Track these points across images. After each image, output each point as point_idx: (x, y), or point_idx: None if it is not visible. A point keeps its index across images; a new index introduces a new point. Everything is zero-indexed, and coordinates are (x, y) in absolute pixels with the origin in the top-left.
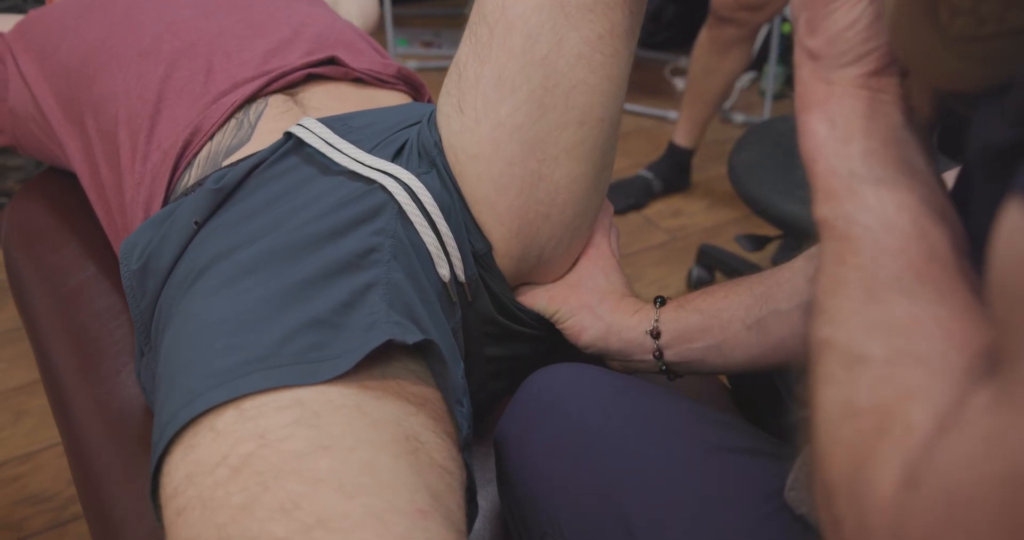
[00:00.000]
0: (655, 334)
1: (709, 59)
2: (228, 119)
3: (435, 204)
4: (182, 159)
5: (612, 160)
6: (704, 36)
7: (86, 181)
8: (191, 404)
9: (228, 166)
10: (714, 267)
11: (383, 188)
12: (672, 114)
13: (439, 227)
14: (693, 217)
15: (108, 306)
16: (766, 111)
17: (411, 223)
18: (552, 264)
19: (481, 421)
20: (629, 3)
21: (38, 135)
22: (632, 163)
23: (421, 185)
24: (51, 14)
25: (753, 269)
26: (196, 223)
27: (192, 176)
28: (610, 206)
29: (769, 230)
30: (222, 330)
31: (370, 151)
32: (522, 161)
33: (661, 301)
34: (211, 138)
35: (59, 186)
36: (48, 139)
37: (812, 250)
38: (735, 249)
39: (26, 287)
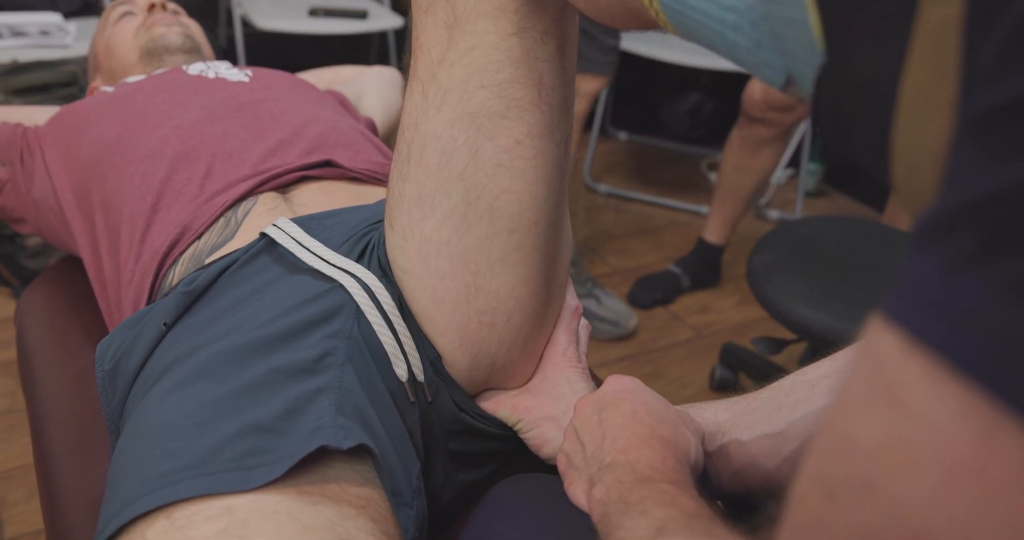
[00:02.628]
0: None
1: (740, 157)
2: (218, 218)
3: (393, 304)
4: (167, 258)
5: (563, 258)
6: (735, 135)
7: (91, 273)
8: (122, 511)
9: (208, 265)
10: (737, 367)
11: (342, 287)
12: (706, 209)
13: (396, 328)
14: (720, 314)
15: None
16: (798, 209)
17: (369, 323)
18: (510, 370)
19: (456, 515)
20: (546, 99)
21: (55, 225)
22: (663, 257)
23: (380, 285)
24: (81, 109)
25: (777, 371)
26: (165, 324)
27: (176, 275)
28: (578, 306)
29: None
30: (163, 435)
31: (338, 248)
32: (455, 275)
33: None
34: (199, 237)
35: (74, 273)
36: (64, 230)
37: (781, 382)
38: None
39: (31, 367)
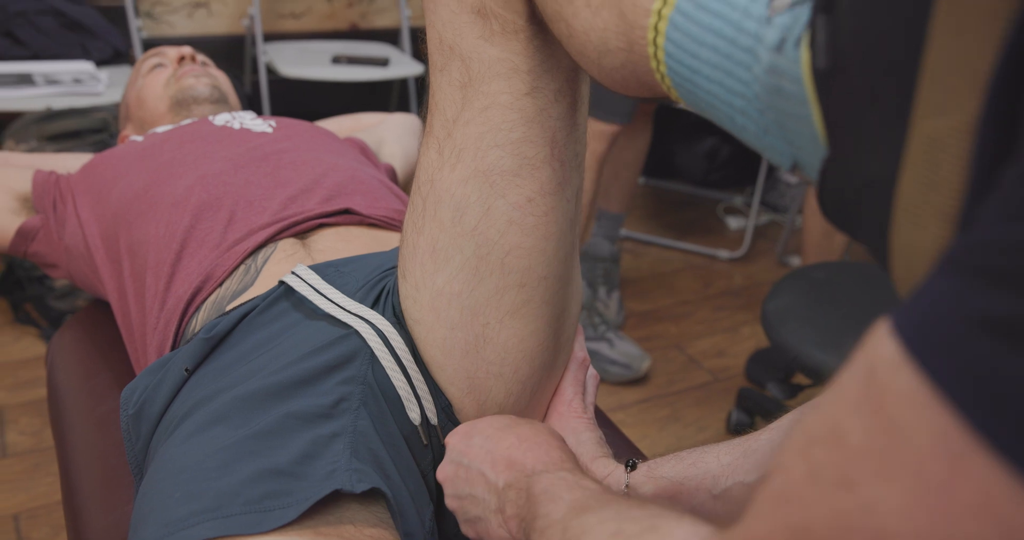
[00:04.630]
0: None
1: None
2: (239, 265)
3: (407, 349)
4: (191, 306)
5: (572, 310)
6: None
7: (119, 318)
8: None
9: (228, 312)
10: (754, 412)
11: (357, 333)
12: (723, 253)
13: (410, 372)
14: (737, 358)
15: None
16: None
17: (383, 368)
18: None
19: None
20: (558, 156)
21: (85, 271)
22: (679, 301)
23: (394, 331)
24: (111, 158)
25: None
26: (186, 370)
27: (199, 322)
28: (586, 358)
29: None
30: (182, 479)
31: (354, 295)
32: (464, 326)
33: (632, 465)
34: (221, 284)
35: (102, 317)
36: (93, 275)
37: (780, 421)
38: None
39: (60, 407)
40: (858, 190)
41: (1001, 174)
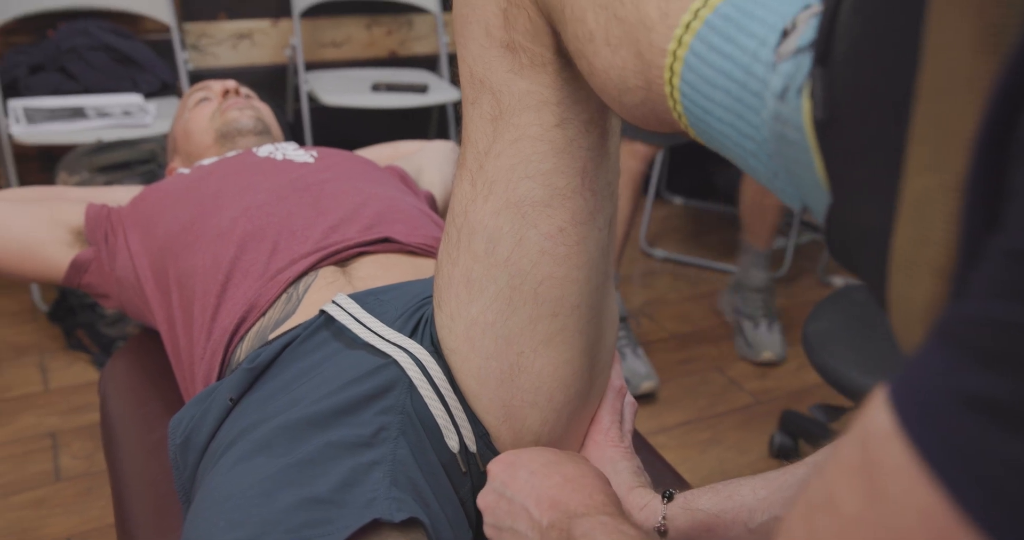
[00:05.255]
0: (661, 531)
1: None
2: (281, 294)
3: (444, 378)
4: (235, 336)
5: (607, 338)
6: None
7: (168, 348)
8: None
9: (271, 341)
10: (797, 435)
11: (396, 363)
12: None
13: (448, 400)
14: (779, 380)
15: None
16: None
17: (421, 397)
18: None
19: None
20: (589, 186)
21: (136, 301)
22: (720, 322)
23: (432, 360)
24: (159, 191)
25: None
26: (231, 399)
27: (243, 351)
28: (623, 386)
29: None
30: (226, 507)
31: (392, 323)
32: (499, 355)
33: (669, 495)
34: (264, 314)
35: (152, 346)
36: (143, 305)
37: (816, 456)
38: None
39: (113, 434)
40: (859, 238)
41: (990, 240)
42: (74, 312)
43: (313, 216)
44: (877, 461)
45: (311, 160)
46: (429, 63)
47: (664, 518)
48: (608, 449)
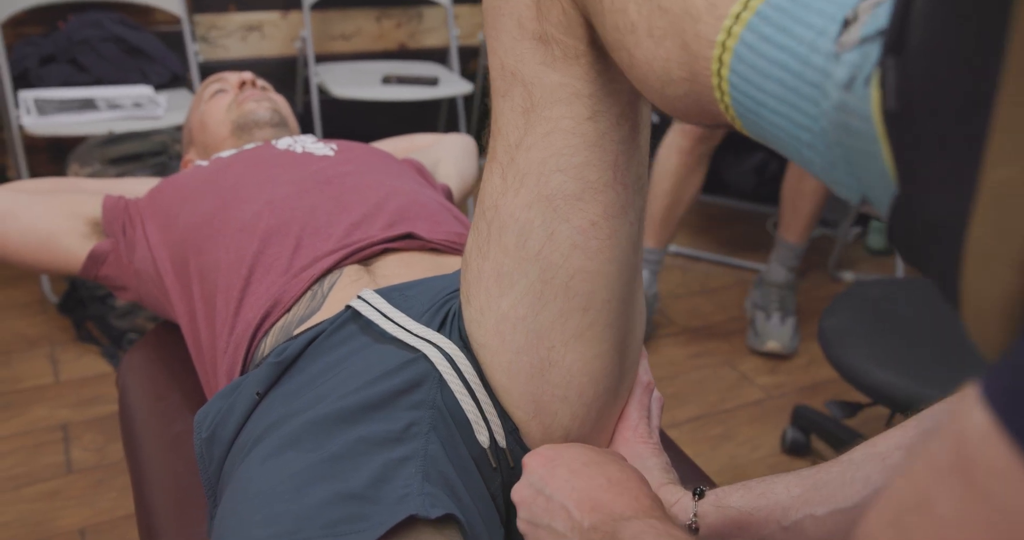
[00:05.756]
0: (693, 529)
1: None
2: (306, 291)
3: (474, 373)
4: (259, 330)
5: (636, 333)
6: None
7: (189, 340)
8: None
9: (296, 336)
10: (809, 430)
11: (425, 357)
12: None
13: (478, 395)
14: (790, 375)
15: None
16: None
17: (451, 391)
18: (584, 442)
19: None
20: (621, 180)
21: (155, 294)
22: (730, 317)
23: (461, 354)
24: (177, 183)
25: (849, 434)
26: (258, 394)
27: (268, 346)
28: (651, 381)
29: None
30: (259, 502)
31: (420, 318)
32: (530, 350)
33: (700, 493)
34: (288, 310)
35: (170, 339)
36: (163, 297)
37: (851, 454)
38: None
39: (133, 428)
40: (928, 230)
41: None
42: (84, 304)
43: (336, 211)
44: (975, 461)
45: (331, 153)
46: (439, 56)
47: (695, 515)
48: (637, 445)
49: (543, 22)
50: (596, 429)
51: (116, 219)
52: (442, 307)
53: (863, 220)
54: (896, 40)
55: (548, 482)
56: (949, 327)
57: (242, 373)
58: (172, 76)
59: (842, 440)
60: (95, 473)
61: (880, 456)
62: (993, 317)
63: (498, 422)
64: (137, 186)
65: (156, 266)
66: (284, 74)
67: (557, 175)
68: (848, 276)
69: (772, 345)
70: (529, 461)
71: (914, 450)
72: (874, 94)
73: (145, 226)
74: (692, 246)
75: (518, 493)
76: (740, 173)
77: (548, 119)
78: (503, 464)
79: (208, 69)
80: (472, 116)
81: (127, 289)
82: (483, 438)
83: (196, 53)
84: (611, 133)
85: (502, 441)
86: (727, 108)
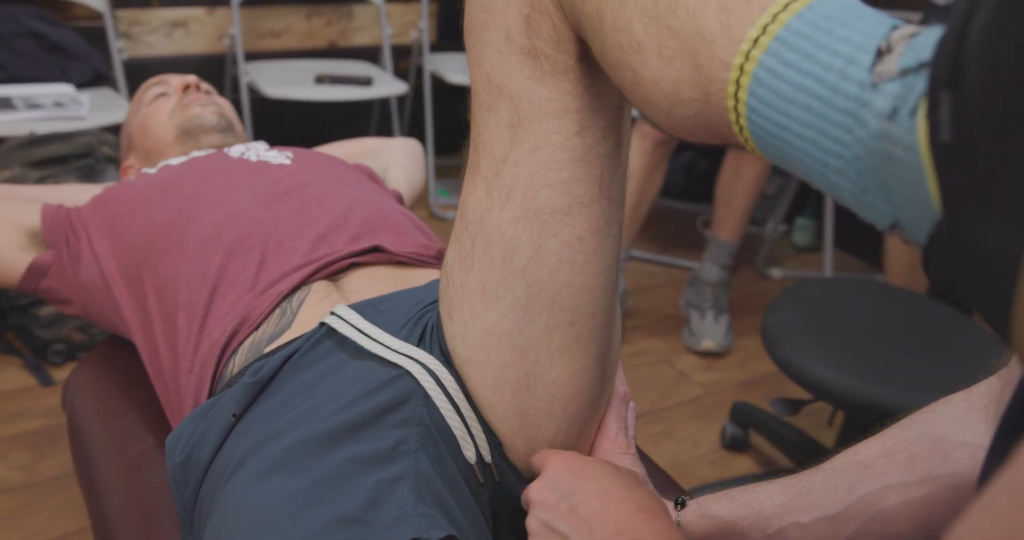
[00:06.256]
0: None
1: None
2: (274, 308)
3: (458, 388)
4: (227, 348)
5: (615, 345)
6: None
7: (146, 358)
8: None
9: (268, 353)
10: (748, 425)
11: (409, 374)
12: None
13: (463, 411)
14: (727, 371)
15: (166, 479)
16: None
17: (437, 408)
18: None
19: None
20: (606, 194)
21: (103, 307)
22: (663, 315)
23: (444, 370)
24: (124, 193)
25: (788, 429)
26: (234, 415)
27: (236, 364)
28: (627, 392)
29: (798, 391)
30: (252, 532)
31: (398, 333)
32: (515, 364)
33: (681, 503)
34: (257, 328)
35: (121, 354)
36: (113, 312)
37: (833, 463)
38: (769, 406)
39: (87, 451)
40: (976, 260)
41: None
42: (4, 314)
43: (299, 223)
44: None
45: (287, 161)
46: (370, 54)
47: (679, 525)
48: (618, 456)
49: (532, 37)
50: (578, 441)
51: (58, 229)
52: (419, 321)
53: (789, 218)
54: (951, 75)
55: (576, 492)
56: (884, 323)
57: (210, 392)
58: (94, 74)
59: (780, 435)
60: (24, 493)
61: (862, 464)
62: None
63: (483, 437)
64: (75, 193)
65: (105, 279)
66: (211, 72)
67: (545, 190)
68: (776, 273)
69: (707, 344)
70: (554, 465)
71: (993, 488)
72: (921, 126)
73: (90, 236)
74: (624, 245)
75: (539, 494)
76: (670, 173)
77: (536, 133)
78: (489, 479)
79: (132, 67)
80: (404, 116)
81: (71, 303)
82: (470, 454)
83: (120, 50)
84: (597, 147)
85: (487, 456)
86: (741, 130)
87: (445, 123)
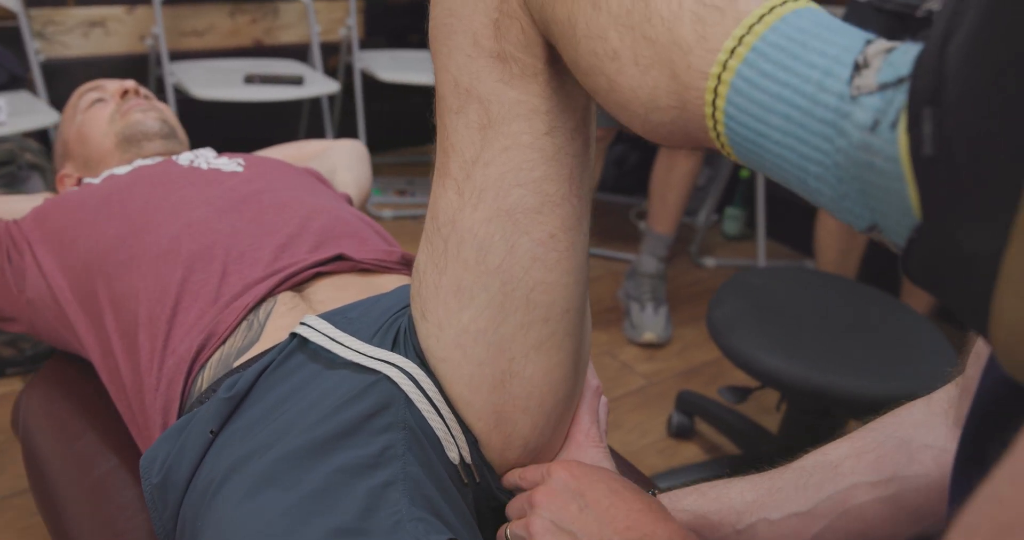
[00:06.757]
0: None
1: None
2: (240, 321)
3: (436, 390)
4: (195, 364)
5: (589, 339)
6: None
7: (105, 376)
8: None
9: (238, 367)
10: (693, 413)
11: (387, 378)
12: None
13: (442, 412)
14: (667, 361)
15: (134, 498)
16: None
17: (419, 410)
18: (539, 451)
19: None
20: (576, 192)
21: (53, 324)
22: (602, 308)
23: (422, 373)
24: (68, 204)
25: (732, 415)
26: (212, 432)
27: (205, 380)
28: (599, 385)
29: (749, 380)
30: None
31: (370, 339)
32: (491, 361)
33: (652, 495)
34: (224, 342)
35: (72, 372)
36: (64, 329)
37: (803, 461)
38: (713, 394)
39: (45, 476)
40: (956, 262)
41: None
42: None
43: (258, 233)
44: None
45: (239, 168)
46: (297, 53)
47: None
48: (590, 449)
49: (501, 41)
50: (553, 436)
51: None
52: (391, 327)
53: (719, 208)
54: (932, 93)
55: (585, 493)
56: (825, 311)
57: (180, 409)
58: (10, 77)
59: (725, 421)
60: None
61: (831, 464)
62: None
63: (463, 437)
64: (9, 205)
65: (54, 295)
66: (133, 73)
67: (516, 189)
68: (710, 262)
69: (649, 336)
70: (559, 471)
71: (995, 477)
72: (902, 138)
73: (35, 251)
74: None
75: (547, 495)
76: (601, 166)
77: (506, 135)
78: (471, 479)
79: (50, 68)
80: (335, 115)
81: (16, 320)
82: (453, 454)
83: (37, 51)
84: (567, 147)
85: (467, 456)
86: (719, 136)
87: (376, 121)
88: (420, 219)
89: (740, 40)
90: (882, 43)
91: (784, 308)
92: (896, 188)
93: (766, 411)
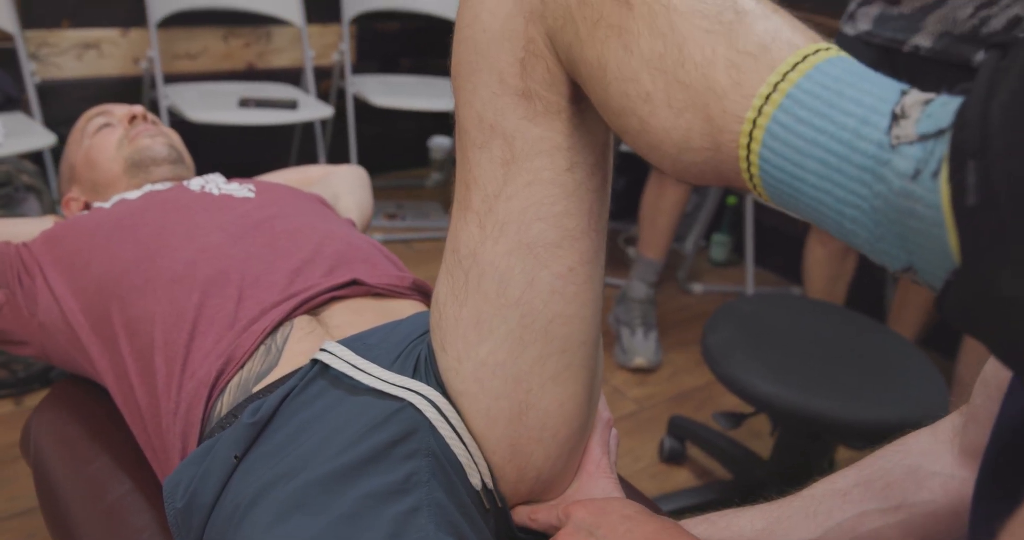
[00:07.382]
0: None
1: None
2: (258, 346)
3: (459, 418)
4: (215, 389)
5: (601, 370)
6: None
7: (119, 399)
8: None
9: (259, 392)
10: (685, 438)
11: (411, 405)
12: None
13: (464, 439)
14: (658, 386)
15: (150, 521)
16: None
17: (442, 437)
18: (551, 483)
19: None
20: (594, 226)
21: (65, 347)
22: None
23: (445, 400)
24: (80, 228)
25: (724, 440)
26: (236, 457)
27: (224, 404)
28: (610, 418)
29: (739, 405)
30: None
31: (391, 366)
32: (508, 394)
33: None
34: (242, 366)
35: (84, 395)
36: (76, 352)
37: (811, 490)
38: (705, 419)
39: (58, 500)
40: (995, 304)
41: None
42: None
43: (272, 258)
44: None
45: (250, 194)
46: (290, 77)
47: None
48: (601, 480)
49: (527, 79)
50: (566, 467)
51: (8, 267)
52: (410, 354)
53: (706, 234)
54: (978, 146)
55: (601, 525)
56: (814, 336)
57: (201, 433)
58: (5, 98)
59: (717, 446)
60: None
61: (840, 492)
62: None
63: (484, 464)
64: (17, 228)
65: (66, 318)
66: (127, 95)
67: (537, 224)
68: (698, 287)
69: (639, 361)
70: (576, 511)
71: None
72: (944, 188)
73: (46, 274)
74: None
75: (566, 536)
76: None
77: (529, 170)
78: (492, 506)
79: (45, 90)
80: (327, 138)
81: (27, 344)
82: (476, 481)
83: (33, 73)
84: (587, 182)
85: (489, 482)
86: (752, 177)
87: (368, 145)
88: (410, 243)
89: (775, 86)
90: (918, 94)
91: (777, 334)
92: (936, 233)
93: (757, 436)
